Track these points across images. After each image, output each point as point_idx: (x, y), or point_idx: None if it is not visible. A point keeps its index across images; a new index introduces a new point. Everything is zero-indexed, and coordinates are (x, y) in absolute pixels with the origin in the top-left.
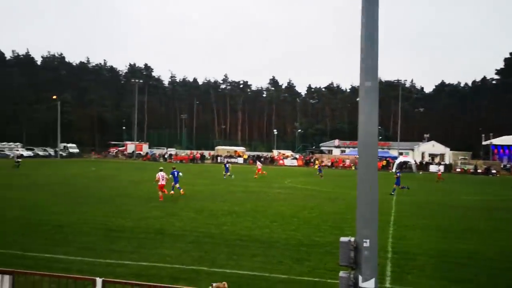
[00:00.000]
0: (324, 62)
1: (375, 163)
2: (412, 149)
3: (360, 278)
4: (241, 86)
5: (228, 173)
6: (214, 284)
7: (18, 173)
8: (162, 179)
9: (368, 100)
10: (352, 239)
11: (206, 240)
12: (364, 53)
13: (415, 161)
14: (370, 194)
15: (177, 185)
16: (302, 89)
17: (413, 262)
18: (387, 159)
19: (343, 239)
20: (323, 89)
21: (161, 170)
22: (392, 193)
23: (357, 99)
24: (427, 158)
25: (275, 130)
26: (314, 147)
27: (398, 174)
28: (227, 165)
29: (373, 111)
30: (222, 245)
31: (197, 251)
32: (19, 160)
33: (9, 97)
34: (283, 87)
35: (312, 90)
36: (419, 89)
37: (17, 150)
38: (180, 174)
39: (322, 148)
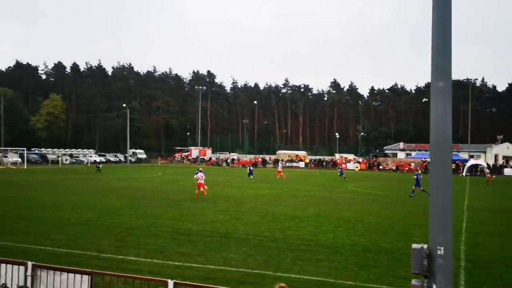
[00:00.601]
0: (387, 62)
1: (448, 168)
2: (484, 152)
3: (434, 287)
4: (302, 90)
5: (251, 177)
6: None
7: (92, 178)
8: (201, 179)
9: (440, 102)
10: (425, 246)
11: (271, 244)
12: (435, 51)
13: (487, 164)
14: (444, 200)
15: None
16: (364, 91)
17: (488, 271)
18: (457, 162)
19: (415, 246)
20: (387, 91)
21: (200, 171)
22: (412, 195)
23: (423, 100)
24: (500, 161)
25: (337, 134)
26: (377, 151)
27: (417, 176)
28: (251, 168)
29: (446, 113)
30: (286, 249)
31: (262, 255)
32: (100, 165)
33: (84, 106)
34: (345, 89)
35: (375, 92)
36: (490, 88)
37: (91, 156)
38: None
39: (386, 151)
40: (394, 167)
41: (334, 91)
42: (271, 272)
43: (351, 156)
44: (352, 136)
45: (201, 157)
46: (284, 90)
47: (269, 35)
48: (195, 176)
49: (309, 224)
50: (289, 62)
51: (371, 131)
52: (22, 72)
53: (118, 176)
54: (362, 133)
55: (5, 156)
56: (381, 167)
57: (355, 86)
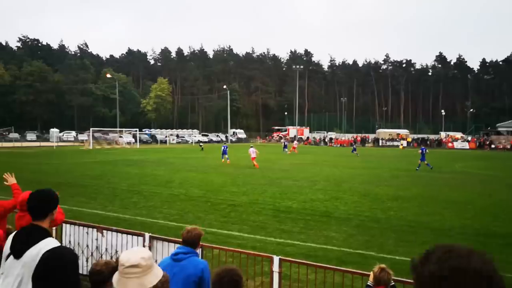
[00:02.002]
0: (500, 32)
1: None
2: None
3: None
4: (404, 65)
5: (286, 149)
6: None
7: (195, 156)
8: (253, 153)
9: None
10: None
11: (372, 224)
12: None
13: None
14: None
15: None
16: (474, 64)
17: None
18: None
19: None
20: (501, 63)
21: (251, 147)
22: (417, 169)
23: None
24: None
25: (442, 111)
26: (489, 128)
27: (422, 150)
28: (286, 143)
29: None
30: (389, 230)
31: (363, 235)
32: (202, 145)
33: (188, 88)
34: (452, 63)
35: (487, 64)
36: None
37: (195, 136)
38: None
39: (499, 129)
40: (508, 146)
41: (440, 65)
42: (374, 253)
43: (458, 135)
44: (460, 113)
45: (298, 136)
46: (384, 66)
47: (368, 9)
48: (249, 151)
49: (413, 205)
50: (389, 36)
51: (482, 107)
52: (133, 58)
53: (218, 155)
54: (471, 110)
55: (121, 137)
56: (493, 146)
57: (463, 59)
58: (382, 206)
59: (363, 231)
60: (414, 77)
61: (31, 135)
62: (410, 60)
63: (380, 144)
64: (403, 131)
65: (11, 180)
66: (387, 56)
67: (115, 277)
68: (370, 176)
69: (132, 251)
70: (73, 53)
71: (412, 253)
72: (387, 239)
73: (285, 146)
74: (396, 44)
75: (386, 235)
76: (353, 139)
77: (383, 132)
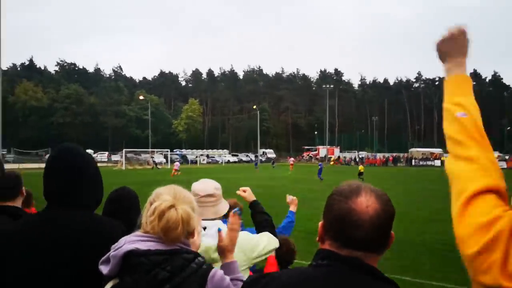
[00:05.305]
0: None
1: None
2: None
3: None
4: (437, 83)
5: (321, 176)
6: None
7: (224, 177)
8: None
9: None
10: None
11: (407, 248)
12: None
13: None
14: None
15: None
16: (510, 81)
17: None
18: None
19: None
20: None
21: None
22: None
23: None
24: None
25: None
26: None
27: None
28: (321, 165)
29: None
30: (425, 254)
31: (399, 259)
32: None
33: (218, 109)
34: (487, 80)
35: None
36: None
37: (225, 156)
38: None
39: None
40: None
41: (475, 83)
42: (409, 277)
43: (495, 154)
44: (495, 132)
45: (329, 155)
46: (416, 84)
47: (398, 26)
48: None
49: (450, 228)
50: (420, 54)
51: None
52: (165, 80)
53: (248, 175)
54: (508, 128)
55: (152, 157)
56: None
57: (499, 76)
58: (417, 229)
59: (398, 255)
60: None
61: None
62: (444, 78)
63: (413, 163)
64: (437, 150)
65: None
66: (419, 74)
67: None
68: (403, 196)
69: (204, 181)
70: (107, 76)
71: (450, 279)
72: (423, 263)
73: (320, 171)
74: (428, 62)
75: (422, 259)
76: (385, 158)
77: (416, 151)
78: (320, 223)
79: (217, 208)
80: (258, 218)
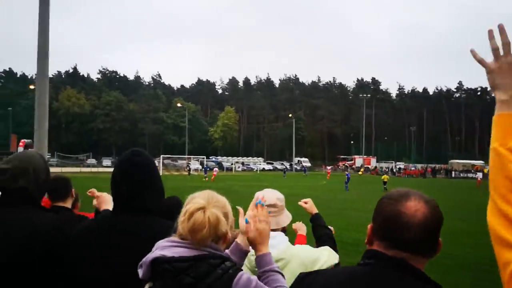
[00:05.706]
0: None
1: None
2: None
3: None
4: (479, 93)
5: (347, 185)
6: None
7: (259, 185)
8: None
9: None
10: None
11: (446, 261)
12: None
13: None
14: None
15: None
16: None
17: None
18: None
19: None
20: None
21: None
22: None
23: None
24: None
25: None
26: None
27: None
28: (349, 175)
29: None
30: (465, 268)
31: (437, 272)
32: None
33: (254, 117)
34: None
35: None
36: None
37: (260, 164)
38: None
39: None
40: None
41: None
42: None
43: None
44: None
45: (365, 165)
46: (457, 94)
47: (438, 35)
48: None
49: (490, 242)
50: (462, 63)
51: None
52: (203, 88)
53: (284, 184)
54: None
55: (188, 164)
56: None
57: None
58: (456, 242)
59: (437, 268)
60: (491, 105)
61: (106, 161)
62: (486, 88)
63: (453, 175)
64: (478, 162)
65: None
66: (460, 83)
67: None
68: (442, 208)
69: (268, 191)
70: (147, 83)
71: None
72: (463, 278)
73: (347, 181)
74: (469, 71)
75: (462, 274)
76: (423, 169)
77: (456, 163)
78: (369, 226)
79: (278, 219)
80: (319, 232)
